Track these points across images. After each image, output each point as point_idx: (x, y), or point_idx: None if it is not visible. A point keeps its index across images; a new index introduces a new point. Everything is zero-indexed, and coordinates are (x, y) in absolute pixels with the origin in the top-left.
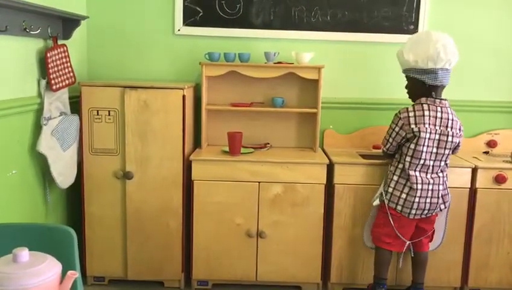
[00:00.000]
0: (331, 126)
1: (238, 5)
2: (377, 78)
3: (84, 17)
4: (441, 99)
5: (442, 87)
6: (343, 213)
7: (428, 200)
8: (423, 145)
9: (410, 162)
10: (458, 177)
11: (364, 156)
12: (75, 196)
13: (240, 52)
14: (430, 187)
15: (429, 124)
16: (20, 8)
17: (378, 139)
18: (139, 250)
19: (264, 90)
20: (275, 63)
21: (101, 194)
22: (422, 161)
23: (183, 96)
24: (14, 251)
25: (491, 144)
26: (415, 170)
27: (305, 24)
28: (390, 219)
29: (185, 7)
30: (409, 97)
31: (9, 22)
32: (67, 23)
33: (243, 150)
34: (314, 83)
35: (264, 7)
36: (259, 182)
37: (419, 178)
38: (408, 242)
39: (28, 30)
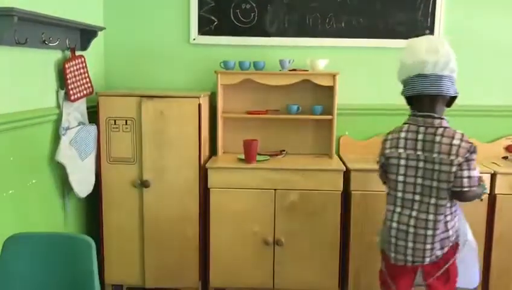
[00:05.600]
0: (347, 132)
1: (252, 14)
2: (392, 83)
3: (101, 28)
4: (426, 116)
5: (431, 99)
6: (360, 221)
7: (410, 245)
8: (396, 174)
9: (388, 195)
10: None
11: None
12: (93, 204)
13: (254, 61)
14: (412, 230)
15: (405, 148)
16: (40, 21)
17: None
18: (157, 258)
19: (279, 97)
20: (289, 71)
21: (119, 203)
22: (399, 194)
23: (199, 105)
24: None
25: (510, 149)
26: (393, 204)
27: (320, 31)
28: (382, 260)
29: (200, 16)
30: None
31: (29, 35)
32: (85, 34)
33: (258, 157)
34: (330, 90)
35: (279, 15)
36: (275, 190)
37: (395, 215)
38: None
39: (46, 42)
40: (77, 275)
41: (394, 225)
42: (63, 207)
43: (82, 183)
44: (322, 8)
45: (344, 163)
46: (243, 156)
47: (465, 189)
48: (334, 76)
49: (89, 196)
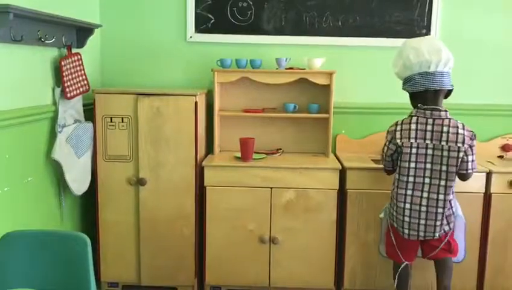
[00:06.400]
0: (343, 131)
1: (249, 12)
2: (388, 82)
3: (97, 26)
4: (433, 109)
5: (435, 94)
6: (355, 219)
7: (422, 222)
8: (408, 161)
9: (398, 180)
10: (472, 182)
11: (376, 161)
12: (89, 202)
13: (251, 59)
14: (424, 209)
15: (416, 137)
16: (36, 18)
17: None
18: (153, 256)
19: (276, 96)
20: (286, 69)
21: (115, 201)
22: (411, 179)
23: (196, 103)
24: None
25: (506, 148)
26: (404, 188)
27: (317, 29)
28: (391, 234)
29: (196, 14)
30: None
31: (25, 32)
32: (81, 32)
33: (255, 155)
34: (326, 88)
35: (275, 13)
36: (271, 188)
37: (407, 197)
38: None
39: (42, 39)
40: (73, 273)
41: (407, 206)
42: (59, 205)
43: (78, 181)
44: (319, 7)
45: (340, 161)
46: (239, 155)
47: (469, 171)
48: (330, 74)
49: (85, 194)
